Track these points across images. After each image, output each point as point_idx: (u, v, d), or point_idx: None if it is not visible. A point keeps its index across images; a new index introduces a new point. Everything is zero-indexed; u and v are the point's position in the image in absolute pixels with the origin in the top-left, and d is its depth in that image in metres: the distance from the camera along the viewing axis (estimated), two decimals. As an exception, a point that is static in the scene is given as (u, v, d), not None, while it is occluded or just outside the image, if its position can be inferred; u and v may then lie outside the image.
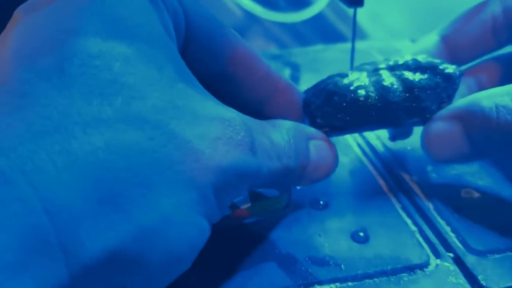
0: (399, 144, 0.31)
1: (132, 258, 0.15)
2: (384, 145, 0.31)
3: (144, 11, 0.18)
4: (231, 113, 0.19)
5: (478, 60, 0.30)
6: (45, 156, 0.14)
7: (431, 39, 0.29)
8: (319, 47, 0.46)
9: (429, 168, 0.29)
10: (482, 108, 0.22)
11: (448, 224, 0.24)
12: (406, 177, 0.28)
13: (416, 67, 0.25)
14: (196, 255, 0.18)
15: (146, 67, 0.17)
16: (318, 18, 0.48)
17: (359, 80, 0.24)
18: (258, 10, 0.43)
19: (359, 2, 0.29)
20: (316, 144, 0.23)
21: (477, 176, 0.28)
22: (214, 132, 0.17)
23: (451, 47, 0.29)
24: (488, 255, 0.22)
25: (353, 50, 0.33)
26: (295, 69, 0.40)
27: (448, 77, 0.25)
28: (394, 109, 0.24)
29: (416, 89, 0.24)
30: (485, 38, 0.28)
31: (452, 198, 0.26)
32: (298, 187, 0.27)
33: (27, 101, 0.15)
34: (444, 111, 0.24)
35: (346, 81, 0.24)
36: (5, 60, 0.16)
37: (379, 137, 0.32)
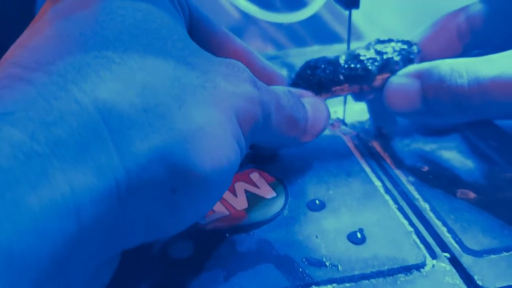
0: (395, 145, 0.31)
1: (178, 161, 0.17)
2: (381, 146, 0.31)
3: None
4: (234, 60, 0.22)
5: None
6: (93, 72, 0.16)
7: None
8: (315, 48, 0.46)
9: (426, 169, 0.29)
10: (440, 70, 0.26)
11: (444, 224, 0.25)
12: (403, 178, 0.28)
13: (378, 41, 0.30)
14: (232, 177, 0.20)
15: (164, 18, 0.20)
16: (314, 19, 0.48)
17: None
18: (254, 11, 0.43)
19: (355, 4, 0.30)
20: (308, 101, 0.27)
21: (472, 176, 0.28)
22: (225, 70, 0.21)
23: (421, 53, 0.31)
24: (484, 255, 0.23)
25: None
26: (292, 70, 0.40)
27: (407, 42, 0.30)
28: (363, 61, 0.28)
29: (380, 48, 0.29)
30: (451, 44, 0.31)
31: (448, 198, 0.26)
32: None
33: (69, 40, 0.17)
34: (407, 69, 0.28)
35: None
36: (46, 24, 0.19)
37: (376, 138, 0.32)
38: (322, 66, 0.29)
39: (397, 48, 0.29)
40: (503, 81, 0.24)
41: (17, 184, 0.13)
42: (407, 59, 0.29)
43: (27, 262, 0.13)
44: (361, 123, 0.34)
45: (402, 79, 0.28)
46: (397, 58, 0.29)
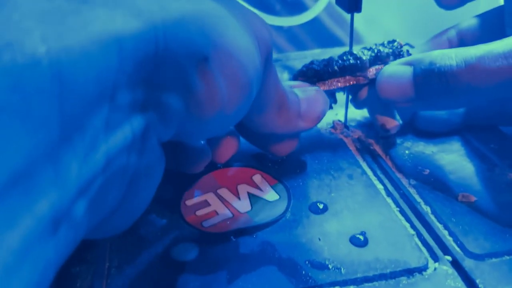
0: (397, 149, 0.31)
1: (210, 30, 0.18)
2: (382, 149, 0.31)
3: None
4: None
5: None
6: None
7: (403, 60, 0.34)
8: (317, 51, 0.46)
9: (427, 172, 0.29)
10: (431, 56, 0.27)
11: (446, 228, 0.25)
12: (404, 181, 0.28)
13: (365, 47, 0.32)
14: (256, 88, 0.21)
15: None
16: (314, 22, 0.48)
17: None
18: (255, 14, 0.43)
19: (357, 8, 0.30)
20: (301, 89, 0.28)
21: (473, 180, 0.28)
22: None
23: None
24: (486, 258, 0.23)
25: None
26: (293, 73, 0.40)
27: (393, 40, 0.32)
28: (355, 54, 0.30)
29: (373, 46, 0.31)
30: None
31: (449, 202, 0.26)
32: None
33: None
34: (400, 59, 0.30)
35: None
36: None
37: (377, 141, 0.32)
38: (317, 62, 0.30)
39: (386, 45, 0.31)
40: (489, 58, 0.25)
41: (61, 9, 0.13)
42: (397, 53, 0.31)
43: (74, 83, 0.13)
44: (363, 126, 0.34)
45: (395, 67, 0.29)
46: (387, 51, 0.30)
